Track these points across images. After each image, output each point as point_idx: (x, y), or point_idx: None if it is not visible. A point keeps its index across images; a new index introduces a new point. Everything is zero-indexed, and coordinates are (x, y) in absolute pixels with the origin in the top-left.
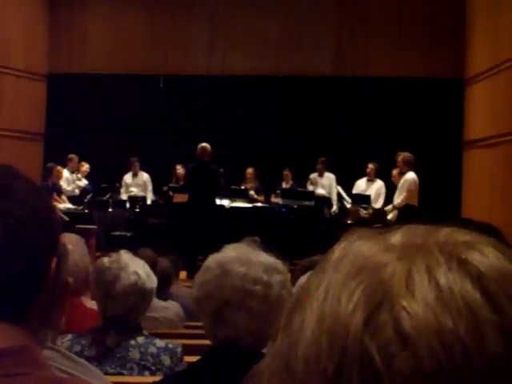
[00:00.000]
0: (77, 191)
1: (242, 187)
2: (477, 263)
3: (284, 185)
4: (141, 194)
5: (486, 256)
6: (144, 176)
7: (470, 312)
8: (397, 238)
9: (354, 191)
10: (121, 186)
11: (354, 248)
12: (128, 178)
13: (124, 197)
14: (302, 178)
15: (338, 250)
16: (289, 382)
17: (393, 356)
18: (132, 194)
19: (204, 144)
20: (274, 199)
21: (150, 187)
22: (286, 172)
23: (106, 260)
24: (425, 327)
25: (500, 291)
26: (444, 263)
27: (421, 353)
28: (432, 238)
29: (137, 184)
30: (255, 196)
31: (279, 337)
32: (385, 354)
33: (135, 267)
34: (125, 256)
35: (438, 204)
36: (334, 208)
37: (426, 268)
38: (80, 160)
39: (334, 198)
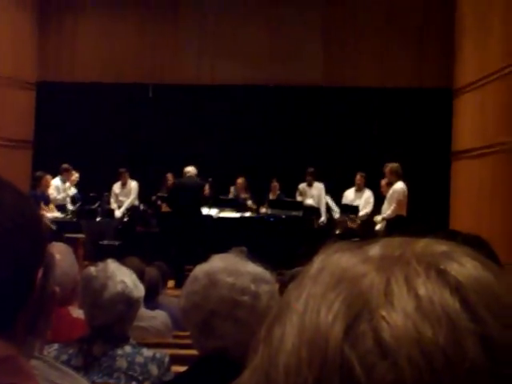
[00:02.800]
0: (68, 200)
1: (231, 196)
2: (455, 273)
3: (271, 196)
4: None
5: (463, 266)
6: (131, 184)
7: (450, 321)
8: (375, 250)
9: (343, 201)
10: (110, 196)
11: (333, 260)
12: (117, 187)
13: (113, 206)
14: (290, 189)
15: (316, 263)
16: None
17: (373, 366)
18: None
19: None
20: (262, 209)
21: (132, 195)
22: (274, 183)
23: (92, 269)
24: (404, 337)
25: (478, 300)
26: (423, 273)
27: (401, 362)
28: (410, 249)
29: (125, 194)
30: (252, 206)
31: (259, 349)
32: (365, 364)
33: (122, 276)
34: (112, 265)
35: (426, 214)
36: (323, 218)
37: (405, 278)
38: None
39: (323, 208)
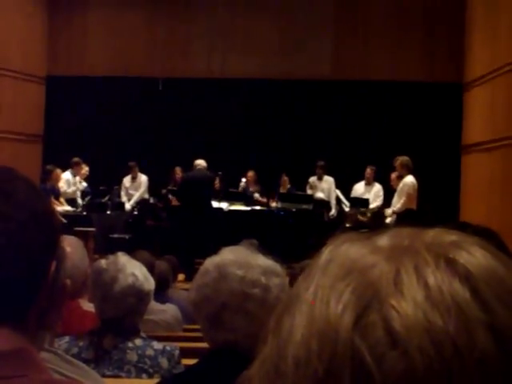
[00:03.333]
0: (78, 193)
1: (240, 190)
2: (464, 262)
3: (281, 190)
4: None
5: (473, 255)
6: (141, 177)
7: (460, 311)
8: (384, 240)
9: (353, 195)
10: (120, 189)
11: (342, 251)
12: (127, 181)
13: (124, 199)
14: (300, 183)
15: (325, 254)
16: None
17: (383, 355)
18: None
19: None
20: (272, 203)
21: (142, 189)
22: (284, 177)
23: (103, 262)
24: (414, 326)
25: (488, 290)
26: (432, 263)
27: (411, 352)
28: (419, 239)
29: (135, 187)
30: (260, 198)
31: (268, 340)
32: (375, 353)
33: (133, 269)
34: (122, 258)
35: (436, 208)
36: (333, 212)
37: (414, 268)
38: None
39: (333, 201)
